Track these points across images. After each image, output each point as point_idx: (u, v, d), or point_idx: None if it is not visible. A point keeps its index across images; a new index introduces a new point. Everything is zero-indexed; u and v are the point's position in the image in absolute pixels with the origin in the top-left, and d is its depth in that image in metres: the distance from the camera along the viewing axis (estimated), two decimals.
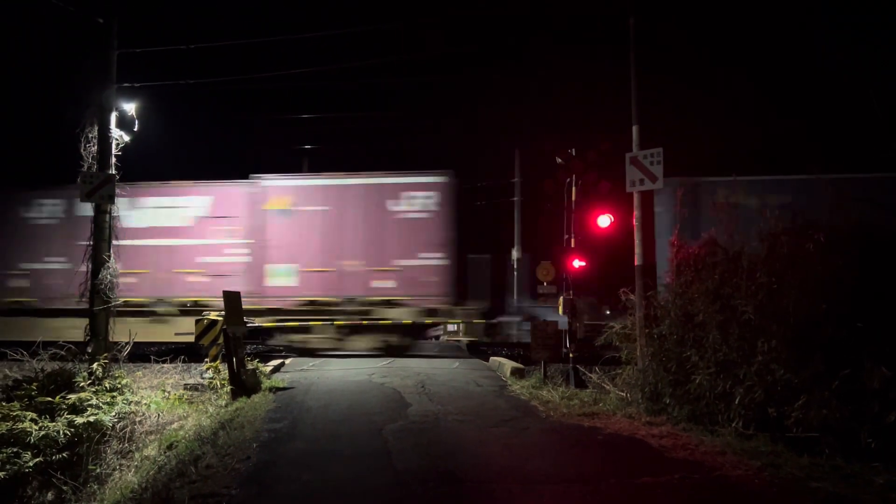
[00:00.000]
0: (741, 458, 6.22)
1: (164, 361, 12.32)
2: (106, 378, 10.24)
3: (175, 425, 9.04)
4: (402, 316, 16.23)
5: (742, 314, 7.40)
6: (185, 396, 10.65)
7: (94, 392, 9.37)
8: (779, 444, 6.51)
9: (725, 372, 7.37)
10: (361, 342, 16.50)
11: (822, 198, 7.58)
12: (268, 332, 17.07)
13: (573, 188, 12.32)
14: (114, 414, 9.07)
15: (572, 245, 12.22)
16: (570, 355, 11.77)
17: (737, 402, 7.06)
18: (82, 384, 9.65)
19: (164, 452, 7.47)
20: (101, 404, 9.13)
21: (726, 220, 8.62)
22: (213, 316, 12.45)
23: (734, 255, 8.02)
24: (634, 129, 10.19)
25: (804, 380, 6.43)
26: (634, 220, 10.13)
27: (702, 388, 7.60)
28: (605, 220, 11.74)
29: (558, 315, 12.98)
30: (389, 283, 16.57)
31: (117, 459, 8.34)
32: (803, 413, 6.33)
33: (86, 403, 8.92)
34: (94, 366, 10.49)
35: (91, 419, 8.64)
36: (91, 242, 11.82)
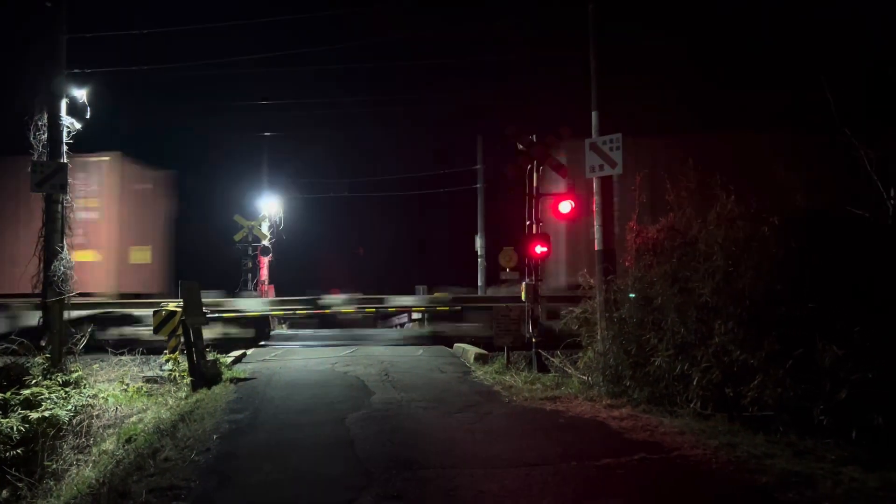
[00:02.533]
0: (699, 438, 6.34)
1: (121, 354, 12.09)
2: (60, 372, 10.00)
3: (134, 419, 8.87)
4: None
5: (699, 297, 7.51)
6: (145, 389, 10.46)
7: (47, 387, 9.14)
8: (736, 424, 6.65)
9: (684, 354, 7.48)
10: None
11: None
12: None
13: (535, 174, 12.33)
14: (70, 408, 8.87)
15: (534, 231, 12.23)
16: (533, 340, 11.83)
17: (695, 383, 7.18)
18: (36, 379, 9.42)
19: (123, 446, 7.33)
20: (56, 399, 8.92)
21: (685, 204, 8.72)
22: (171, 307, 12.24)
23: (691, 239, 8.13)
24: (594, 114, 10.25)
25: (760, 360, 6.56)
26: (594, 206, 10.20)
27: (661, 370, 7.72)
28: (566, 206, 11.79)
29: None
30: None
31: (74, 455, 8.16)
32: (759, 392, 6.46)
33: (40, 398, 8.71)
34: (48, 359, 10.24)
35: (46, 414, 8.43)
36: (42, 233, 11.50)
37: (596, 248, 10.13)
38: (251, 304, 17.81)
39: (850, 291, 6.28)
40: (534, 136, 12.31)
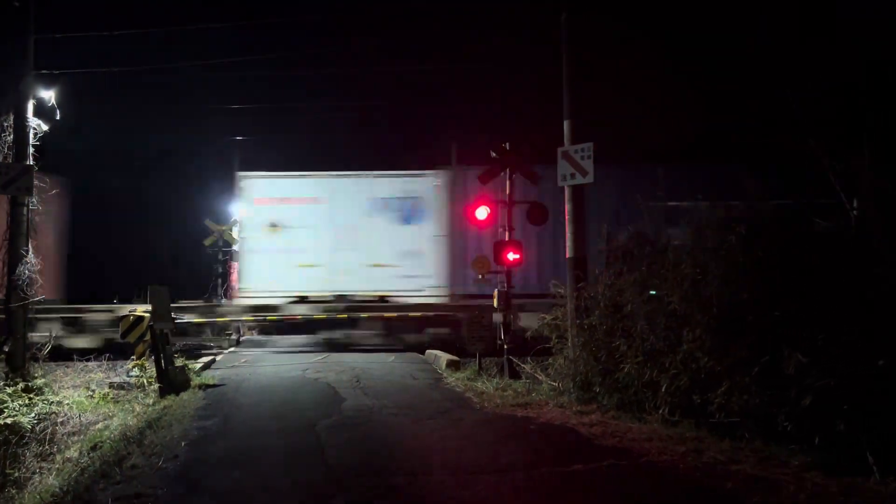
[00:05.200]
0: (667, 444, 6.41)
1: (87, 359, 11.90)
2: (24, 378, 9.80)
3: (100, 425, 8.72)
4: None
5: (668, 304, 7.61)
6: (111, 395, 10.31)
7: (9, 394, 8.96)
8: (703, 430, 6.73)
9: (652, 361, 7.56)
10: None
11: None
12: None
13: (508, 182, 12.40)
14: (33, 415, 8.70)
15: (507, 238, 12.29)
16: (505, 346, 11.87)
17: (663, 389, 7.26)
18: None
19: (88, 454, 7.21)
20: (19, 406, 8.75)
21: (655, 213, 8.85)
22: (139, 312, 12.07)
23: (661, 247, 8.23)
24: (566, 123, 10.33)
25: (726, 367, 6.65)
26: (566, 214, 10.29)
27: (630, 377, 7.79)
28: (538, 214, 11.89)
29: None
30: None
31: (37, 463, 7.99)
32: (725, 399, 6.55)
33: (1, 406, 8.53)
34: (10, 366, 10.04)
35: (8, 421, 8.27)
36: (7, 236, 11.28)
37: (567, 256, 10.21)
38: None
39: (814, 300, 6.40)
40: (507, 144, 12.38)
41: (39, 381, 9.87)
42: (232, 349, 17.75)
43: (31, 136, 11.63)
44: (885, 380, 5.66)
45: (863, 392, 5.68)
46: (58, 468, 7.32)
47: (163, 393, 9.94)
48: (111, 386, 10.89)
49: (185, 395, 9.79)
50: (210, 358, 14.40)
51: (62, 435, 8.71)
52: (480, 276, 12.93)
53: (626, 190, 13.26)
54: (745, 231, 7.14)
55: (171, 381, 10.22)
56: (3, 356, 10.69)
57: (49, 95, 11.84)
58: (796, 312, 6.37)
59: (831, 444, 5.69)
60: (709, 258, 7.40)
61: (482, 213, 12.18)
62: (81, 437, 8.39)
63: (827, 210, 7.35)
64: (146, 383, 10.71)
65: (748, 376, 6.38)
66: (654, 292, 7.90)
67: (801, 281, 6.59)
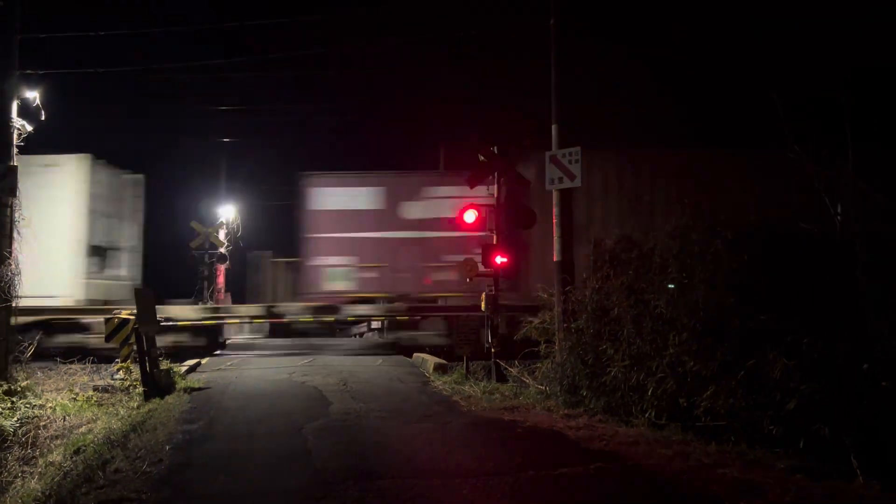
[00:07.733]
0: (654, 448, 6.44)
1: (71, 362, 11.79)
2: (6, 381, 9.69)
3: (83, 429, 8.64)
4: None
5: (655, 308, 7.64)
6: (95, 398, 10.20)
7: None
8: (689, 433, 6.76)
9: (639, 364, 7.59)
10: None
11: None
12: None
13: (496, 185, 12.42)
14: (16, 419, 8.61)
15: (495, 241, 12.30)
16: (492, 350, 11.88)
17: (650, 393, 7.28)
18: None
19: (71, 457, 7.14)
20: (1, 409, 8.65)
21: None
22: (124, 315, 11.98)
23: (648, 251, 8.26)
24: (554, 127, 10.36)
25: (713, 371, 6.69)
26: (554, 218, 10.31)
27: (617, 381, 7.81)
28: (525, 217, 11.93)
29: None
30: None
31: (19, 466, 7.91)
32: (711, 402, 6.58)
33: None
34: None
35: None
36: None
37: (555, 259, 10.23)
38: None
39: (799, 304, 6.45)
40: (495, 148, 12.40)
41: (22, 384, 9.75)
42: (217, 352, 17.64)
43: (16, 136, 11.51)
44: (869, 384, 5.71)
45: (847, 396, 5.74)
46: (40, 472, 7.24)
47: (147, 396, 9.86)
48: (95, 389, 10.79)
49: (170, 399, 9.72)
50: (195, 361, 14.30)
51: (45, 438, 8.62)
52: (468, 280, 12.91)
53: None
54: (731, 236, 7.19)
55: (156, 385, 10.14)
56: None
57: (34, 96, 11.73)
58: (782, 317, 6.42)
59: (816, 448, 5.73)
60: (695, 262, 7.44)
61: (470, 216, 12.10)
62: (65, 440, 8.30)
63: (811, 215, 7.41)
64: (131, 386, 10.63)
65: (734, 380, 6.42)
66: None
67: (787, 286, 6.64)
